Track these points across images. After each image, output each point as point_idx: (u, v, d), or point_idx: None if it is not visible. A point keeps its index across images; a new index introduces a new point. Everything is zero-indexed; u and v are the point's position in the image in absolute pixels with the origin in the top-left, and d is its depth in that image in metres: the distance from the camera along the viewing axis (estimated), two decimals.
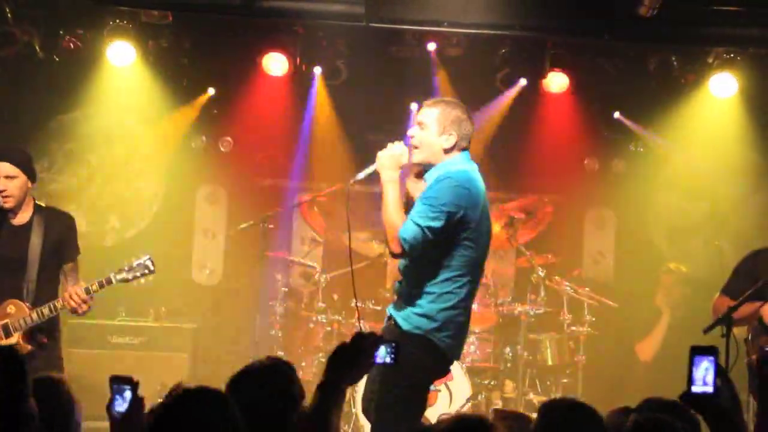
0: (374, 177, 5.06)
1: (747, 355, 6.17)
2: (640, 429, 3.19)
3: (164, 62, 9.09)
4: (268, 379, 3.40)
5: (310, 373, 8.32)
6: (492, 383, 8.31)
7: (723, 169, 9.67)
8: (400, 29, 8.58)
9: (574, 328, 8.48)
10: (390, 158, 4.96)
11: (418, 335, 4.89)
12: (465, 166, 5.02)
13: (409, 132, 5.06)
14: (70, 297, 5.96)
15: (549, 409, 3.83)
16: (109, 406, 3.47)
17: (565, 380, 8.53)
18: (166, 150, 9.74)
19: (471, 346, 8.27)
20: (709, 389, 2.84)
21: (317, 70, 9.07)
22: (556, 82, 9.08)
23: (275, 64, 8.86)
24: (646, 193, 9.92)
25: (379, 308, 8.08)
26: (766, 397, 3.10)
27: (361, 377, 3.31)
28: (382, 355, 3.36)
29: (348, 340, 3.31)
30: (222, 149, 9.64)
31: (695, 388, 2.86)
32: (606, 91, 9.33)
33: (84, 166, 9.71)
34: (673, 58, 8.83)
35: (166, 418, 2.84)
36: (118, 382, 3.46)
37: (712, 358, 2.85)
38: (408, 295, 4.98)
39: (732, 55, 8.64)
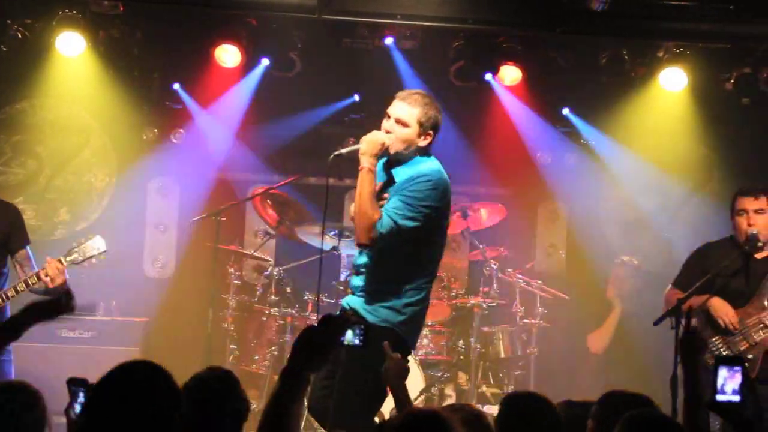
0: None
1: None
2: (635, 426, 3.20)
3: (115, 53, 8.98)
4: (211, 393, 3.40)
5: (263, 366, 8.29)
6: (445, 376, 8.33)
7: (674, 163, 9.77)
8: (354, 21, 8.56)
9: (526, 320, 8.53)
10: (373, 144, 4.96)
11: (386, 328, 4.93)
12: (437, 165, 5.09)
13: (387, 126, 5.03)
14: (47, 269, 5.88)
15: (509, 401, 3.88)
16: (68, 410, 3.42)
17: (517, 372, 8.57)
18: (117, 142, 9.65)
19: (424, 339, 8.28)
20: (736, 399, 2.97)
21: (265, 62, 9.00)
22: (509, 75, 9.10)
23: (228, 55, 8.79)
24: (598, 186, 9.99)
25: (332, 301, 8.07)
26: (690, 366, 3.18)
27: (325, 363, 3.26)
28: (350, 337, 3.33)
29: (314, 325, 3.27)
30: (174, 141, 9.56)
31: (721, 397, 2.98)
32: (558, 84, 9.37)
33: (32, 157, 9.59)
34: (624, 52, 8.88)
35: (105, 388, 2.80)
36: (76, 384, 3.40)
37: (739, 368, 2.98)
38: (375, 290, 5.02)
39: (682, 50, 8.71)
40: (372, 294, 5.03)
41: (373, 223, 4.84)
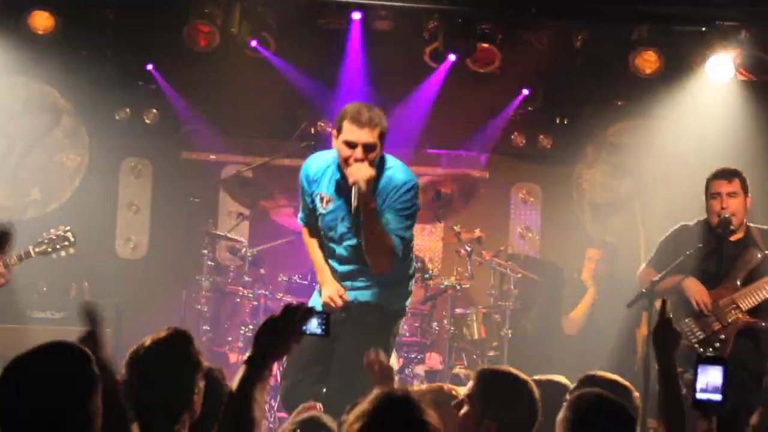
0: None
1: None
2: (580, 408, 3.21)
3: (87, 33, 8.90)
4: (167, 347, 3.42)
5: (236, 348, 8.26)
6: (419, 357, 8.33)
7: (647, 145, 9.80)
8: (328, 1, 8.51)
9: (500, 302, 8.53)
10: (368, 181, 4.98)
11: (396, 310, 5.44)
12: (399, 163, 5.28)
13: (358, 155, 5.02)
14: None
15: (484, 376, 3.88)
16: None
17: (491, 354, 8.58)
18: (89, 121, 9.58)
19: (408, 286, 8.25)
20: (718, 398, 3.01)
21: (239, 42, 8.95)
22: (483, 56, 9.11)
23: (201, 35, 8.74)
24: (572, 168, 10.02)
25: (305, 282, 8.04)
26: (664, 358, 3.21)
27: (288, 351, 3.26)
28: (313, 327, 3.32)
29: (275, 315, 3.27)
30: (147, 121, 9.50)
31: (700, 395, 3.02)
32: (533, 66, 9.37)
33: (3, 137, 9.50)
34: (599, 35, 8.90)
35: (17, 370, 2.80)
36: None
37: (721, 367, 3.02)
38: (384, 278, 5.27)
39: (656, 33, 8.72)
40: (378, 282, 5.31)
41: (391, 249, 5.05)
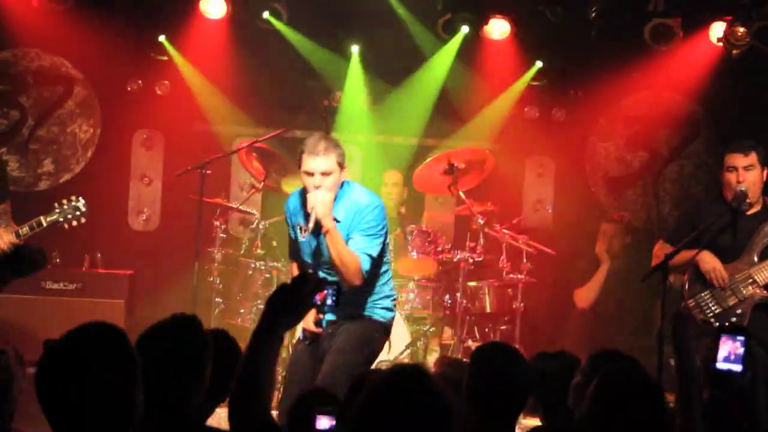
0: None
1: (683, 300, 6.23)
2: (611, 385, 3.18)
3: (100, 3, 8.87)
4: (175, 331, 3.35)
5: (248, 320, 8.27)
6: (431, 330, 8.33)
7: (662, 118, 9.74)
8: None
9: (512, 275, 8.50)
10: (326, 205, 5.44)
11: (384, 323, 5.77)
12: (361, 188, 5.75)
13: (317, 183, 5.45)
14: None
15: (477, 354, 3.91)
16: None
17: (503, 327, 8.57)
18: (101, 93, 9.56)
19: (410, 294, 8.27)
20: (738, 368, 2.99)
21: (251, 12, 8.91)
22: (497, 28, 9.05)
23: (213, 6, 8.71)
24: (585, 141, 9.97)
25: None
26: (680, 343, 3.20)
27: (299, 322, 3.24)
28: (324, 298, 3.30)
29: (286, 284, 3.24)
30: (159, 93, 9.47)
31: (722, 365, 3.00)
32: (546, 38, 9.30)
33: (15, 108, 9.49)
34: (614, 6, 8.82)
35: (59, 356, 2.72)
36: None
37: (743, 338, 3.00)
38: (367, 294, 5.68)
39: (672, 4, 8.65)
40: (365, 298, 5.69)
41: (359, 267, 5.45)
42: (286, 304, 3.13)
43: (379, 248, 5.57)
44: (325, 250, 5.54)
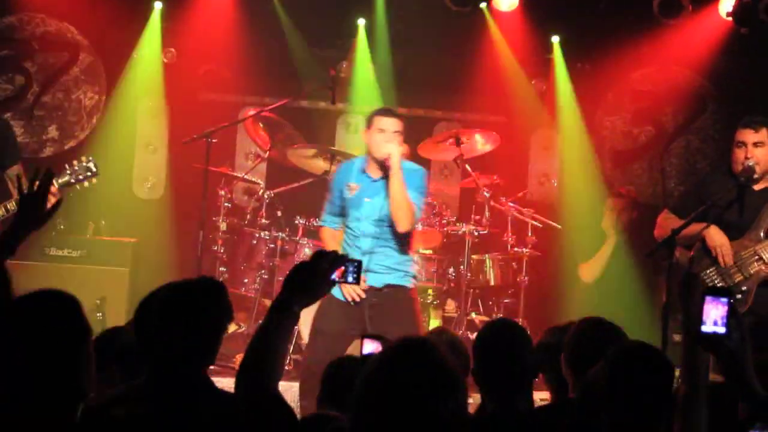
0: None
1: None
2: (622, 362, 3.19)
3: None
4: (202, 292, 3.29)
5: (252, 289, 8.27)
6: (435, 302, 8.32)
7: (668, 92, 9.69)
8: None
9: (517, 249, 8.50)
10: (399, 153, 6.10)
11: (415, 289, 6.40)
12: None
13: (388, 138, 6.12)
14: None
15: (483, 329, 3.93)
16: None
17: (507, 300, 8.57)
18: (106, 60, 9.52)
19: (415, 266, 8.26)
20: (722, 330, 2.95)
21: None
22: (507, 1, 9.00)
23: None
24: (592, 115, 9.92)
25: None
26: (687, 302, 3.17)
27: (317, 299, 3.20)
28: (345, 275, 3.27)
29: (306, 261, 3.21)
30: (165, 60, 9.44)
31: (706, 328, 2.97)
32: (555, 10, 9.25)
33: (20, 73, 9.46)
34: None
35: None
36: None
37: (726, 300, 2.98)
38: (402, 254, 6.27)
39: None
40: (398, 262, 6.25)
41: (413, 212, 6.11)
42: (303, 281, 3.10)
43: (422, 207, 6.33)
44: (375, 204, 6.16)
